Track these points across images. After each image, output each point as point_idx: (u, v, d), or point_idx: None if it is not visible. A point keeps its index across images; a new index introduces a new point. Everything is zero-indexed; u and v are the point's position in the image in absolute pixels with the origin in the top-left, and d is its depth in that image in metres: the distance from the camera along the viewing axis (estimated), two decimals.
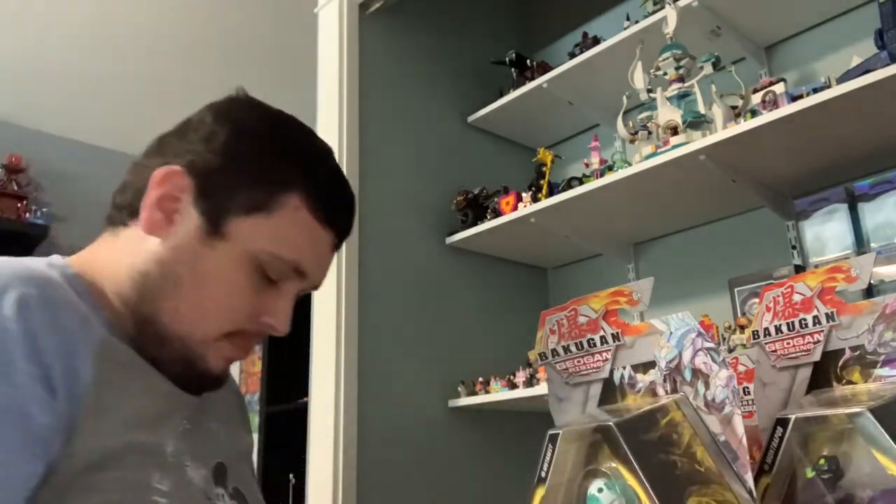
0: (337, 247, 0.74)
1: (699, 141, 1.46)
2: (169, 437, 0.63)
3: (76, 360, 0.57)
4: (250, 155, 0.69)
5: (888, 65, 1.25)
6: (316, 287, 0.74)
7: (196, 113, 0.73)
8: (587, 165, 1.81)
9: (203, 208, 0.67)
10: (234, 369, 0.96)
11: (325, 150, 0.75)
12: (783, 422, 0.63)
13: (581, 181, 1.72)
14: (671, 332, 0.67)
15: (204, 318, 0.66)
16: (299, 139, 0.73)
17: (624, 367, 0.71)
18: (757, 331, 0.74)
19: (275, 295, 0.69)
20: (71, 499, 0.54)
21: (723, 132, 1.43)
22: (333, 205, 0.72)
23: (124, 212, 0.70)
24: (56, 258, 0.68)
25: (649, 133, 1.59)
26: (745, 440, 0.60)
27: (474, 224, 1.91)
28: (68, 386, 0.56)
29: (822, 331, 0.69)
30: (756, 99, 1.47)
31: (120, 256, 0.68)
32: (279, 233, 0.67)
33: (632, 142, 1.64)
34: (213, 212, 0.66)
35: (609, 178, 1.61)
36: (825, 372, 0.69)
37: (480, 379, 1.83)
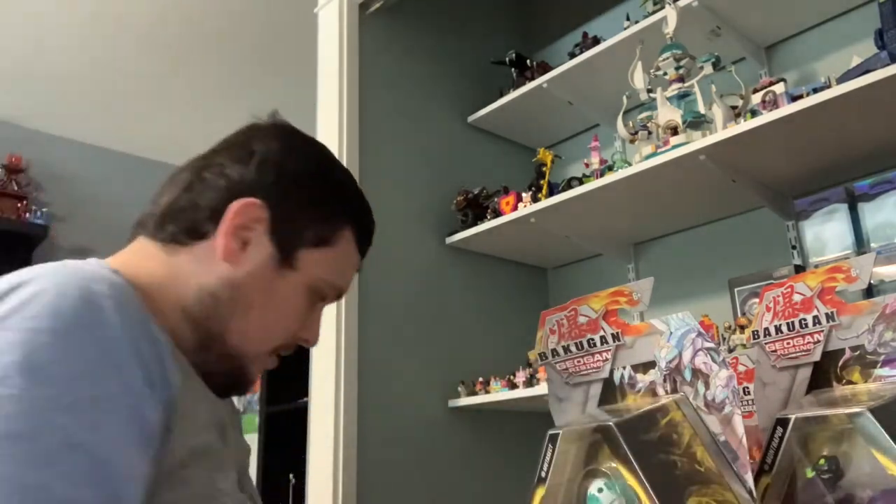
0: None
1: (699, 141, 1.46)
2: (218, 441, 0.67)
3: (165, 364, 0.60)
4: (316, 192, 0.75)
5: (888, 65, 1.25)
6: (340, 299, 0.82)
7: (251, 140, 0.76)
8: (587, 165, 1.81)
9: (276, 239, 0.72)
10: None
11: (355, 181, 0.83)
12: (783, 422, 0.63)
13: (581, 181, 1.72)
14: (671, 332, 0.67)
15: (266, 338, 0.73)
16: (346, 175, 0.81)
17: (624, 367, 0.71)
18: (757, 331, 0.74)
19: (313, 313, 0.77)
20: (164, 492, 0.58)
21: (723, 132, 1.43)
22: (369, 232, 0.81)
23: (181, 231, 0.72)
24: (103, 264, 0.68)
25: (649, 133, 1.59)
26: (745, 440, 0.60)
27: (474, 224, 1.91)
28: (162, 389, 0.59)
29: (822, 331, 0.69)
30: (756, 99, 1.47)
31: (184, 275, 0.71)
32: (337, 264, 0.76)
33: (632, 142, 1.64)
34: (285, 243, 0.72)
35: (609, 178, 1.61)
36: (825, 372, 0.69)
37: (480, 379, 1.82)
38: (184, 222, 0.72)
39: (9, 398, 0.51)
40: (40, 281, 0.58)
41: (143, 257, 0.72)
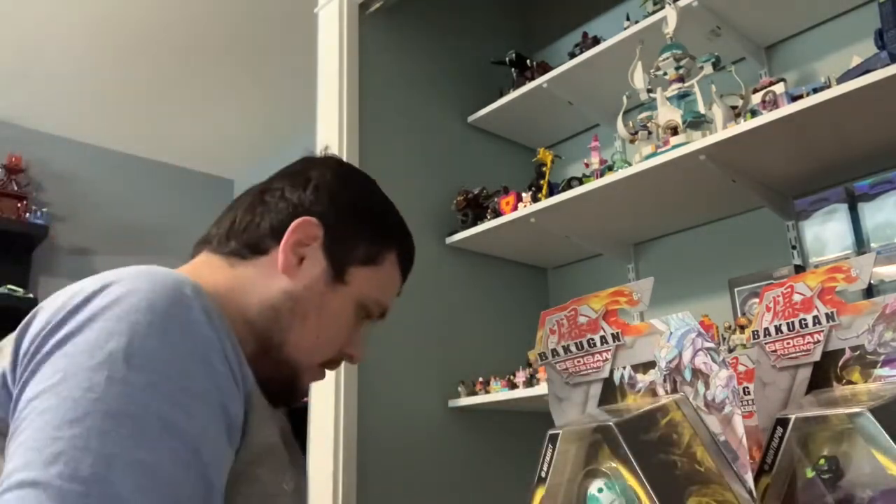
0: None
1: (699, 141, 1.46)
2: (281, 442, 0.71)
3: (242, 363, 0.65)
4: (366, 215, 0.83)
5: (888, 65, 1.25)
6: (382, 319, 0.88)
7: (308, 169, 0.84)
8: (587, 165, 1.81)
9: (330, 256, 0.78)
10: None
11: (397, 210, 0.90)
12: (783, 422, 0.63)
13: (581, 181, 1.72)
14: (671, 332, 0.67)
15: (318, 349, 0.78)
16: (390, 204, 0.89)
17: (624, 367, 0.71)
18: (757, 331, 0.74)
19: (357, 330, 0.82)
20: (240, 487, 0.61)
21: (723, 132, 1.43)
22: (411, 257, 0.88)
23: (244, 247, 0.78)
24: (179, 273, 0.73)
25: (649, 133, 1.59)
26: (745, 440, 0.60)
27: (474, 224, 1.91)
28: (243, 387, 0.64)
29: (822, 331, 0.69)
30: (756, 99, 1.47)
31: (247, 288, 0.76)
32: (382, 283, 0.82)
33: (632, 142, 1.64)
34: (338, 260, 0.79)
35: (609, 178, 1.61)
36: (825, 372, 0.69)
37: (480, 379, 1.82)
38: (246, 239, 0.78)
39: (114, 381, 0.55)
40: (132, 281, 0.62)
41: (207, 269, 0.77)
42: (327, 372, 0.82)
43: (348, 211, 0.81)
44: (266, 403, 0.70)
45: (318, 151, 0.91)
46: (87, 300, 0.60)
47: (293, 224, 0.77)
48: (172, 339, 0.59)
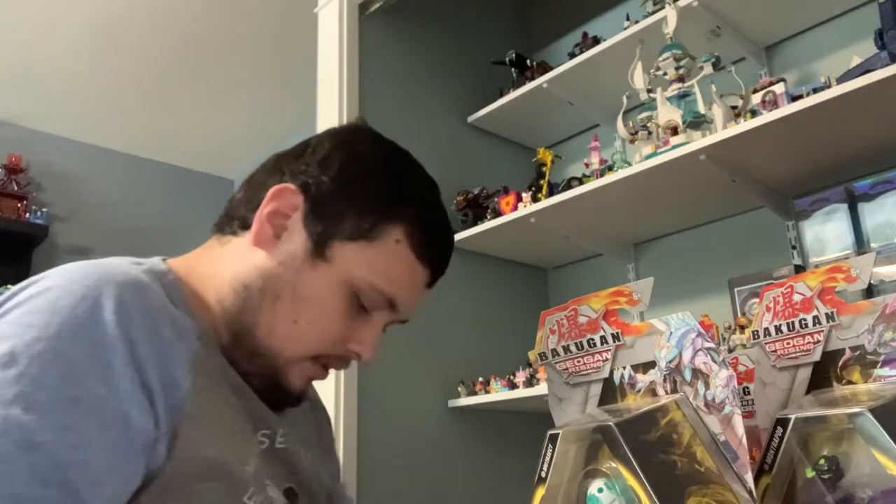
0: (430, 285, 0.75)
1: (699, 141, 1.46)
2: (251, 453, 0.64)
3: (174, 368, 0.58)
4: (361, 183, 0.70)
5: (888, 65, 1.25)
6: (405, 321, 0.75)
7: (316, 136, 0.75)
8: (587, 165, 1.81)
9: (311, 229, 0.68)
10: None
11: (433, 188, 0.76)
12: (783, 422, 0.63)
13: (581, 181, 1.72)
14: (671, 332, 0.67)
15: (296, 337, 0.67)
16: (410, 173, 0.75)
17: (624, 367, 0.71)
18: (757, 331, 0.74)
19: (365, 323, 0.71)
20: (172, 502, 0.56)
21: (723, 132, 1.43)
22: (433, 243, 0.73)
23: (235, 222, 0.71)
24: (157, 262, 0.68)
25: (649, 133, 1.59)
26: (745, 440, 0.60)
27: (474, 224, 1.91)
28: (167, 394, 0.57)
29: (822, 331, 0.69)
30: (756, 99, 1.47)
31: (225, 265, 0.69)
32: (378, 263, 0.68)
33: (632, 142, 1.64)
34: (320, 233, 0.68)
35: (609, 178, 1.61)
36: (825, 372, 0.69)
37: (480, 379, 1.82)
38: (237, 213, 0.72)
39: None
40: (53, 278, 0.58)
41: (203, 253, 0.73)
42: (331, 371, 0.72)
43: (337, 176, 0.69)
44: (222, 410, 0.62)
45: None
46: (7, 299, 0.58)
47: (269, 192, 0.68)
48: (66, 343, 0.54)
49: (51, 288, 0.57)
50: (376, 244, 0.68)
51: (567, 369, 0.76)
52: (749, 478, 0.59)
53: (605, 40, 1.80)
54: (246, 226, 0.70)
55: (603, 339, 0.73)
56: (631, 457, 0.58)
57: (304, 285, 0.67)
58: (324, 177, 0.69)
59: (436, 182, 0.77)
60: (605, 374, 0.72)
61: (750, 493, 0.59)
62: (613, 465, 0.60)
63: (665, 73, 1.59)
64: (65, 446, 0.51)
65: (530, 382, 1.71)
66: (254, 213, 0.69)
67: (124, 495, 0.54)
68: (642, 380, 0.69)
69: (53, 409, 0.52)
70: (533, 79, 1.96)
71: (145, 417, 0.55)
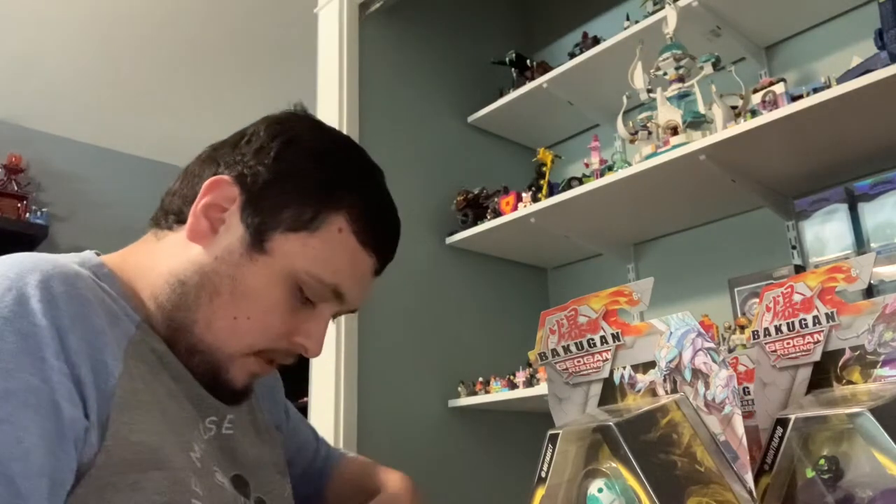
0: (378, 272, 0.73)
1: (699, 141, 1.46)
2: (196, 440, 0.63)
3: (105, 356, 0.57)
4: (299, 172, 0.67)
5: (888, 65, 1.25)
6: (353, 310, 0.73)
7: (252, 124, 0.72)
8: (587, 165, 1.81)
9: (248, 221, 0.66)
10: None
11: (376, 173, 0.74)
12: (783, 422, 0.63)
13: (581, 181, 1.72)
14: (671, 332, 0.67)
15: (236, 333, 0.65)
16: (350, 159, 0.72)
17: (624, 367, 0.71)
18: (757, 331, 0.74)
19: (310, 316, 0.68)
20: (114, 498, 0.55)
21: (723, 132, 1.43)
22: (378, 230, 0.71)
23: (171, 217, 0.70)
24: (89, 255, 0.68)
25: (649, 133, 1.59)
26: (745, 440, 0.60)
27: (474, 224, 1.91)
28: (97, 383, 0.56)
29: (822, 331, 0.69)
30: (756, 99, 1.47)
31: (160, 260, 0.68)
32: (320, 254, 0.66)
33: (632, 142, 1.64)
34: (258, 225, 0.66)
35: (609, 178, 1.61)
36: (825, 372, 0.69)
37: (480, 379, 1.82)
38: (172, 207, 0.70)
39: None
40: None
41: (139, 247, 0.71)
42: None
43: (274, 166, 0.67)
44: (160, 397, 0.61)
45: None
46: None
47: (205, 184, 0.66)
48: None
49: None
50: (318, 234, 0.66)
51: (567, 369, 0.76)
52: (749, 478, 0.59)
53: (605, 40, 1.80)
54: (181, 220, 0.68)
55: (603, 339, 0.73)
56: (631, 457, 0.58)
57: (244, 280, 0.65)
58: (260, 167, 0.67)
59: (379, 167, 0.75)
60: (605, 374, 0.72)
61: (750, 493, 0.59)
62: (613, 465, 0.60)
63: (665, 73, 1.59)
64: (2, 440, 0.50)
65: (530, 382, 1.71)
66: (189, 206, 0.67)
67: (61, 490, 0.53)
68: (642, 380, 0.69)
69: None
70: (533, 79, 1.96)
71: (75, 408, 0.54)
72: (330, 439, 1.60)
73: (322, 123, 0.75)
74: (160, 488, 0.56)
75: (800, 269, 1.49)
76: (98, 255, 0.69)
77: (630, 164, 1.60)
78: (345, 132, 1.80)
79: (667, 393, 0.67)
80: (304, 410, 1.71)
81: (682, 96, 1.57)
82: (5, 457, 0.50)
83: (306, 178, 0.67)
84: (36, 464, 0.51)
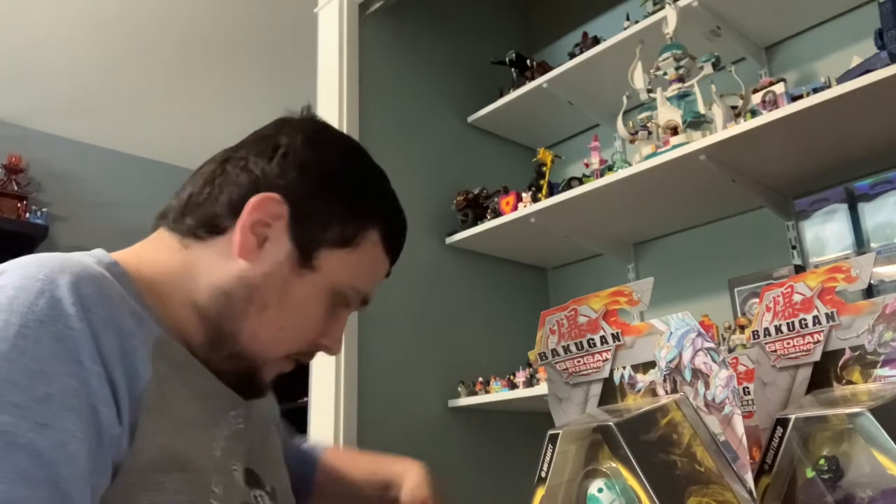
0: (388, 274, 0.77)
1: (699, 141, 1.46)
2: (218, 438, 0.64)
3: (135, 359, 0.58)
4: (342, 189, 0.71)
5: (888, 65, 1.25)
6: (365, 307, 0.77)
7: (279, 133, 0.73)
8: (587, 165, 1.81)
9: (296, 238, 0.68)
10: None
11: (387, 177, 0.78)
12: (783, 422, 0.63)
13: (581, 181, 1.72)
14: (671, 332, 0.67)
15: (280, 341, 0.69)
16: (377, 174, 0.76)
17: (624, 367, 0.71)
18: (757, 331, 0.74)
19: (335, 319, 0.72)
20: (137, 497, 0.55)
21: (723, 132, 1.43)
22: (400, 238, 0.76)
23: (199, 225, 0.69)
24: (101, 253, 0.67)
25: (649, 133, 1.59)
26: (745, 440, 0.60)
27: (474, 224, 1.91)
28: (129, 385, 0.57)
29: (822, 331, 0.69)
30: (756, 99, 1.47)
31: (197, 271, 0.68)
32: (359, 267, 0.71)
33: (632, 142, 1.64)
34: (306, 242, 0.68)
35: (609, 178, 1.61)
36: (825, 372, 0.69)
37: (480, 379, 1.82)
38: (202, 216, 0.69)
39: None
40: (8, 274, 0.57)
41: (157, 248, 0.71)
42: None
43: (319, 184, 0.69)
44: (184, 398, 0.62)
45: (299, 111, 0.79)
46: None
47: (252, 201, 0.67)
48: (30, 341, 0.53)
49: (6, 285, 0.56)
50: (359, 249, 0.70)
51: (567, 369, 0.76)
52: (749, 478, 0.59)
53: (605, 40, 1.80)
54: (216, 230, 0.68)
55: (603, 339, 0.73)
56: (631, 457, 0.58)
57: (293, 294, 0.68)
58: (305, 184, 0.69)
59: (383, 171, 0.78)
60: (605, 374, 0.73)
61: (750, 493, 0.59)
62: (613, 465, 0.60)
63: (665, 73, 1.59)
64: (48, 444, 0.51)
65: (530, 382, 1.71)
66: (227, 217, 0.68)
67: (97, 494, 0.54)
68: (642, 380, 0.69)
69: (28, 408, 0.51)
70: (533, 79, 1.96)
71: (111, 412, 0.55)
72: (330, 439, 1.60)
73: (342, 132, 0.79)
74: (182, 488, 0.58)
75: (800, 270, 1.49)
76: (107, 253, 0.69)
77: (630, 164, 1.60)
78: (345, 132, 1.82)
79: (667, 393, 0.67)
80: (304, 410, 1.71)
81: (682, 96, 1.57)
82: (53, 460, 0.50)
83: (347, 197, 0.71)
84: (81, 468, 0.52)
